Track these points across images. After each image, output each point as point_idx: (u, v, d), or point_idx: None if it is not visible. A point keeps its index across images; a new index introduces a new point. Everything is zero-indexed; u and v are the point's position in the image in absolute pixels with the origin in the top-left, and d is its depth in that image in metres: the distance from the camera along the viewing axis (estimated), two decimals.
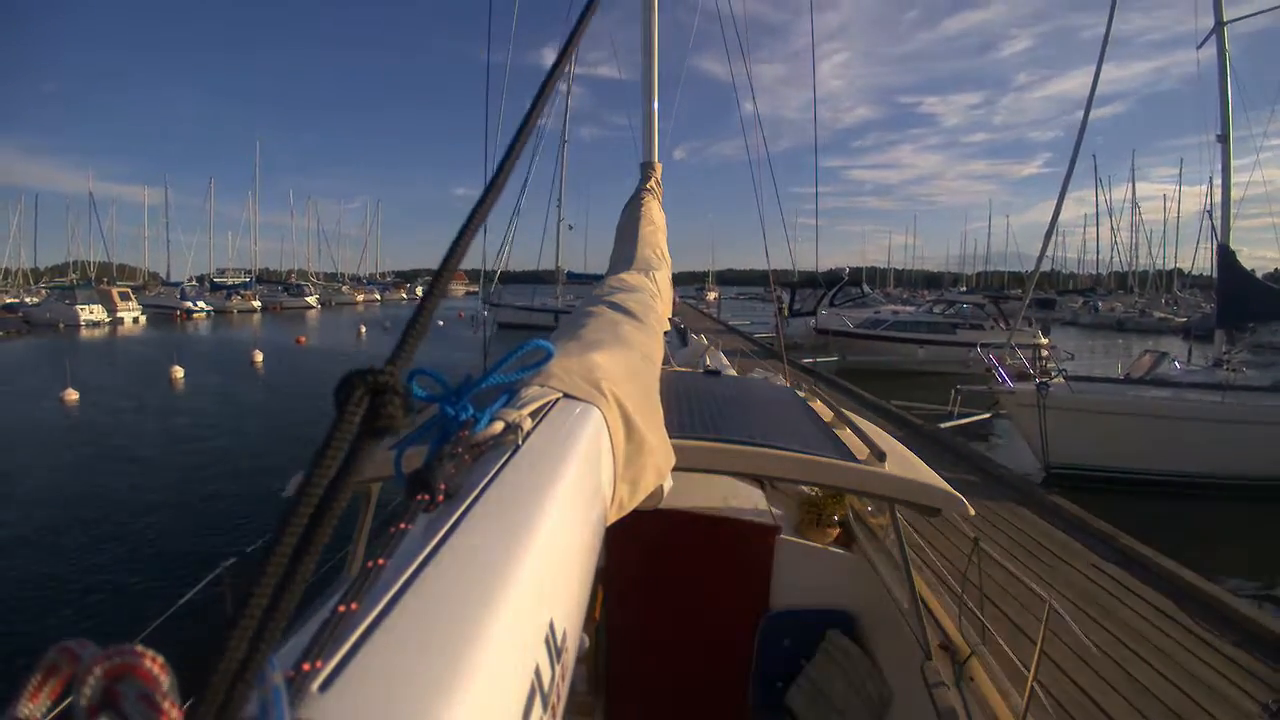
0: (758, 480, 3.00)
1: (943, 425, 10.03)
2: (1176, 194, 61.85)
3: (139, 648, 0.30)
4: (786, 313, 22.28)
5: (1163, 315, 39.09)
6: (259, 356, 19.92)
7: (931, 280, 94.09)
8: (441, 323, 34.57)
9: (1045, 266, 11.69)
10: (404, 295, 69.61)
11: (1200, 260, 48.72)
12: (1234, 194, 10.95)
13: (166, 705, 0.29)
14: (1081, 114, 10.23)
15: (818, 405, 2.85)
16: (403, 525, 0.49)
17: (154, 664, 0.30)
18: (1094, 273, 68.49)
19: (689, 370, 5.45)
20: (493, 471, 0.63)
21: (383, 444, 0.40)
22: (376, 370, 0.40)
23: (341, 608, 0.38)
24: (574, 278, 31.99)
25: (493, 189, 0.52)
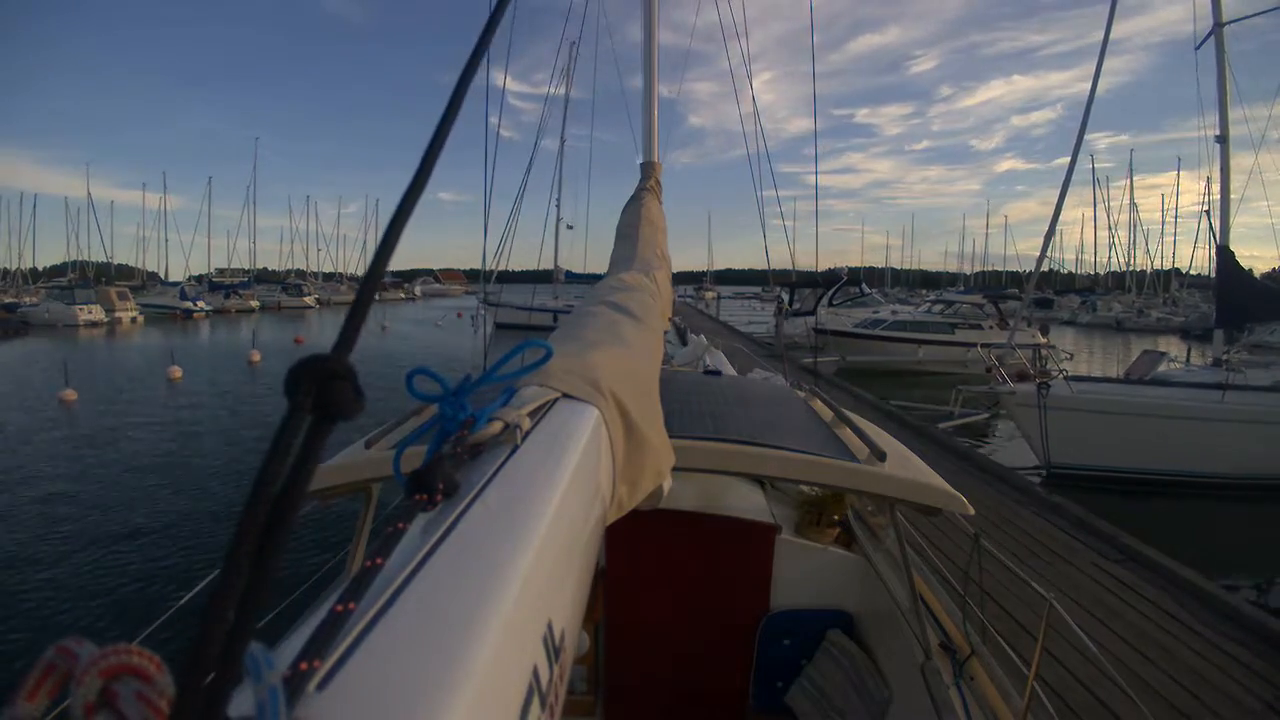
0: (758, 480, 3.00)
1: (943, 425, 10.04)
2: (1174, 192, 62.06)
3: (136, 647, 0.30)
4: (786, 313, 22.28)
5: (1161, 315, 39.13)
6: (257, 356, 19.91)
7: (929, 280, 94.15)
8: (439, 324, 34.64)
9: (1042, 266, 11.70)
10: (403, 294, 69.75)
11: (1198, 260, 48.84)
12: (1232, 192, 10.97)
13: (163, 704, 0.29)
14: (1080, 116, 10.24)
15: (817, 405, 2.85)
16: (401, 525, 0.49)
17: (151, 663, 0.30)
18: (1092, 272, 68.71)
19: (689, 370, 5.45)
20: (492, 471, 0.63)
21: (337, 429, 0.40)
22: (322, 358, 0.40)
23: (339, 607, 0.38)
24: (573, 278, 31.97)
25: (413, 190, 0.53)
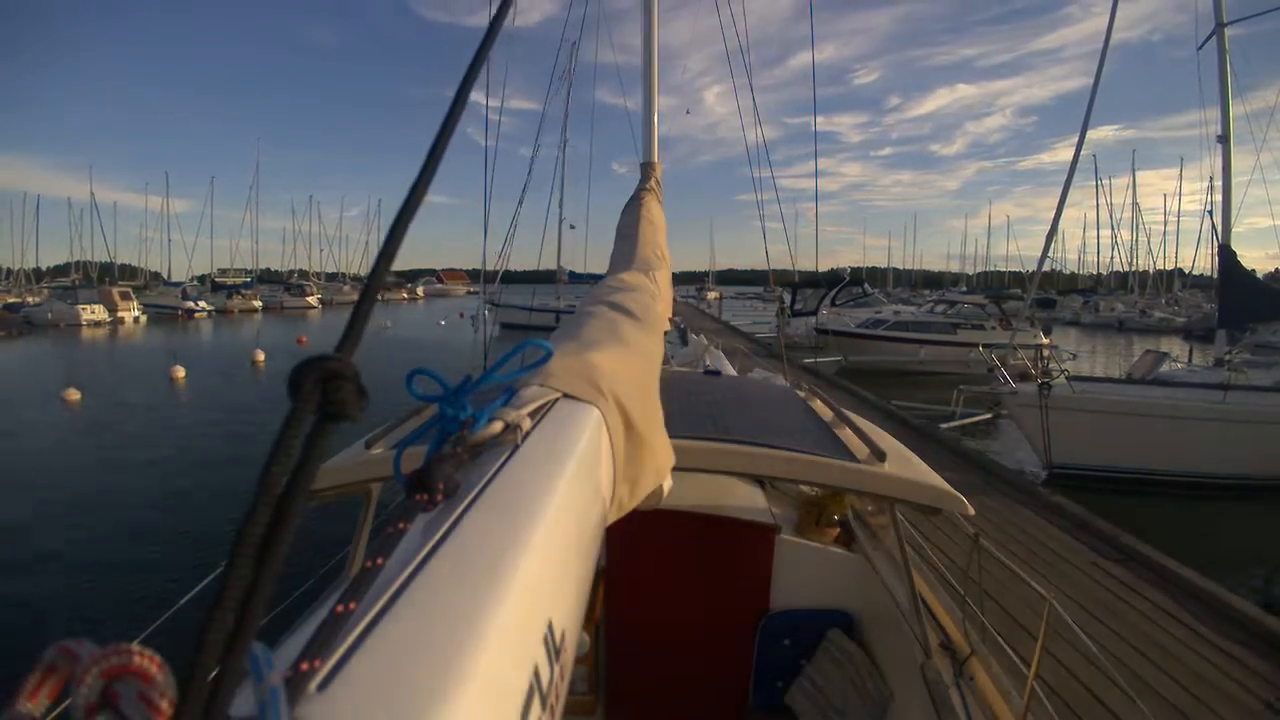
0: (758, 480, 3.00)
1: (944, 426, 10.02)
2: (1177, 192, 62.02)
3: (137, 647, 0.30)
4: (788, 313, 22.25)
5: (1163, 315, 39.00)
6: (260, 356, 19.94)
7: (931, 280, 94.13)
8: (442, 323, 34.67)
9: (1044, 266, 11.66)
10: (405, 295, 69.66)
11: (1201, 260, 48.70)
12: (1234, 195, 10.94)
13: (164, 705, 0.29)
14: (1081, 120, 10.21)
15: (818, 405, 2.85)
16: (401, 525, 0.49)
17: (151, 664, 0.30)
18: (1094, 273, 68.47)
19: (689, 370, 5.45)
20: (492, 471, 0.63)
21: (339, 429, 0.40)
22: (327, 357, 0.40)
23: (340, 608, 0.38)
24: (574, 278, 31.95)
25: (414, 195, 0.53)
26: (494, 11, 0.75)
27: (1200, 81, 12.28)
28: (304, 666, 0.34)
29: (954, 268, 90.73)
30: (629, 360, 1.18)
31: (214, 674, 0.30)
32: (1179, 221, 63.32)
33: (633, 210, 3.20)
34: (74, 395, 13.81)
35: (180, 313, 38.02)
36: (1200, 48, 11.66)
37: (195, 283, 50.63)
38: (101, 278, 50.88)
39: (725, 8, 6.71)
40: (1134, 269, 56.42)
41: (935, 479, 1.92)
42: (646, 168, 3.81)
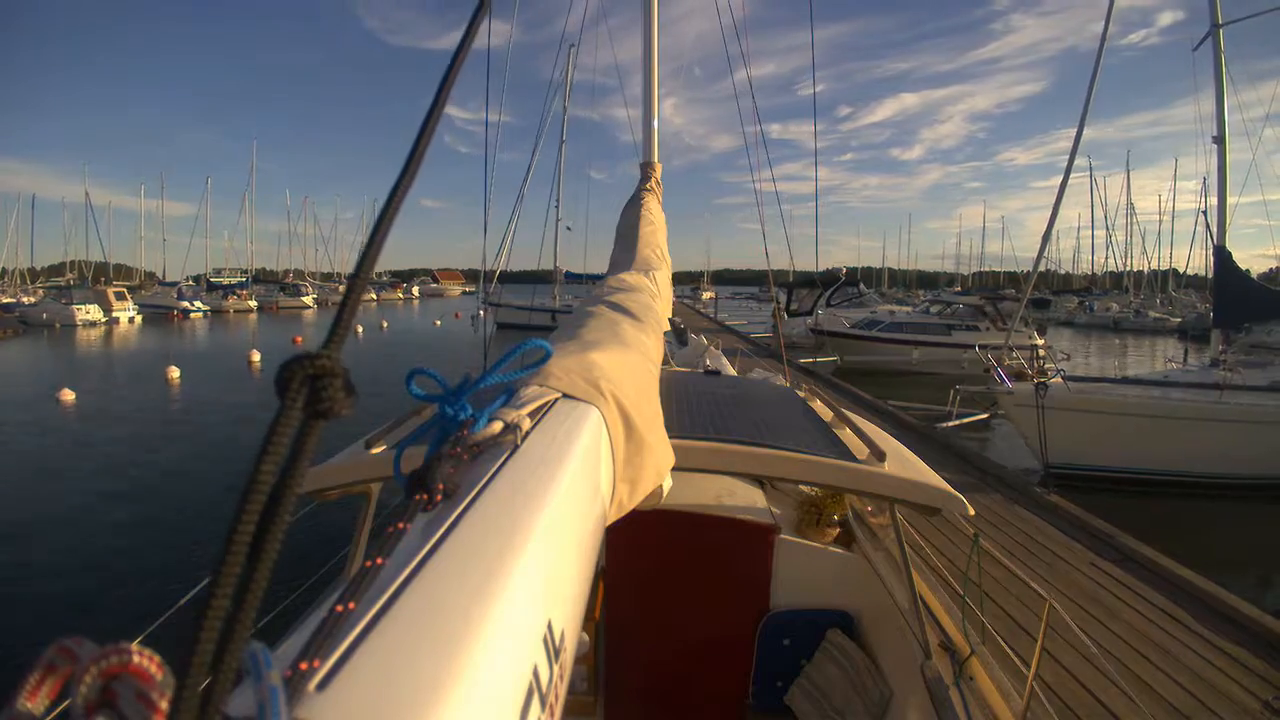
0: (757, 480, 3.00)
1: (941, 425, 10.05)
2: (1171, 193, 62.25)
3: (136, 647, 0.30)
4: (784, 313, 22.27)
5: (1158, 315, 39.17)
6: (256, 357, 19.90)
7: (925, 280, 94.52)
8: (438, 322, 34.65)
9: (1039, 266, 11.68)
10: (401, 294, 69.54)
11: (1195, 261, 48.87)
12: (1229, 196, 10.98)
13: (163, 704, 0.29)
14: (1076, 127, 10.23)
15: (817, 405, 2.85)
16: (401, 525, 0.49)
17: (150, 663, 0.30)
18: (1089, 273, 68.65)
19: (689, 370, 5.46)
20: (491, 471, 0.63)
21: (337, 427, 0.40)
22: (313, 355, 0.40)
23: (339, 607, 0.38)
24: (572, 278, 32.00)
25: (399, 190, 0.52)
26: (468, 23, 0.74)
27: (1196, 83, 12.34)
28: (303, 666, 0.34)
29: (948, 268, 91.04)
30: (629, 360, 1.18)
31: (210, 673, 0.29)
32: (1173, 221, 63.43)
33: (633, 211, 3.21)
34: (68, 396, 13.76)
35: (175, 313, 37.92)
36: (1196, 48, 11.72)
37: (190, 283, 50.39)
38: (97, 278, 50.63)
39: (722, 15, 6.72)
40: (1128, 269, 56.61)
41: (935, 479, 1.92)
42: (646, 168, 3.81)
